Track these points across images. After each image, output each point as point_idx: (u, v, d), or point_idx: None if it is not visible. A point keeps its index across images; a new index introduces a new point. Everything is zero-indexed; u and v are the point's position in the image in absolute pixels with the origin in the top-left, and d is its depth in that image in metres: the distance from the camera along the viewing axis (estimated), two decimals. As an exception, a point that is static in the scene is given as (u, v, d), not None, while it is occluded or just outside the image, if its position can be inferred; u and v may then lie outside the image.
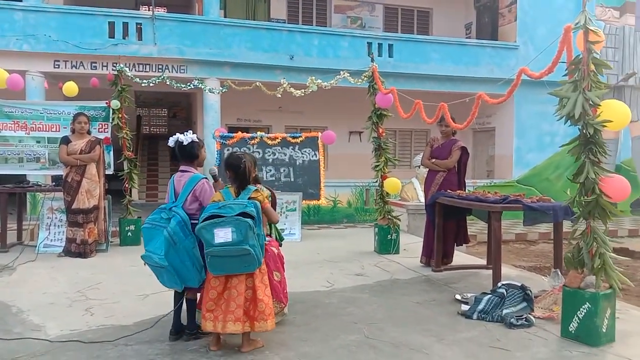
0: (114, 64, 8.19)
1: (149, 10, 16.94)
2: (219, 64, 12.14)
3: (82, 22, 11.47)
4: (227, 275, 3.57)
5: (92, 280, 5.63)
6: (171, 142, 3.97)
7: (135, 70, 11.63)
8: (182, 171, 3.96)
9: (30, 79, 11.04)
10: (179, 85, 8.11)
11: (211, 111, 12.22)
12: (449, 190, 5.98)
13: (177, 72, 11.92)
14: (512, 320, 4.15)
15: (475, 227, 10.48)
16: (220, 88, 9.20)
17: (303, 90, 7.46)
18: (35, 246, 7.10)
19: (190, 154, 3.96)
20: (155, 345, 3.77)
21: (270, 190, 4.51)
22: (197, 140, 3.98)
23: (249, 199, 3.59)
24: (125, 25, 11.72)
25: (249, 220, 3.38)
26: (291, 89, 7.53)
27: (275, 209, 4.63)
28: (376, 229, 7.25)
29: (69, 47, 11.18)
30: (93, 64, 11.55)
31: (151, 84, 7.96)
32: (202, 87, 8.37)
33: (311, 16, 15.60)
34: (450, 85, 13.61)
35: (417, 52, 13.64)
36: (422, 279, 5.77)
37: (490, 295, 4.52)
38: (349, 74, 7.29)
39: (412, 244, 7.58)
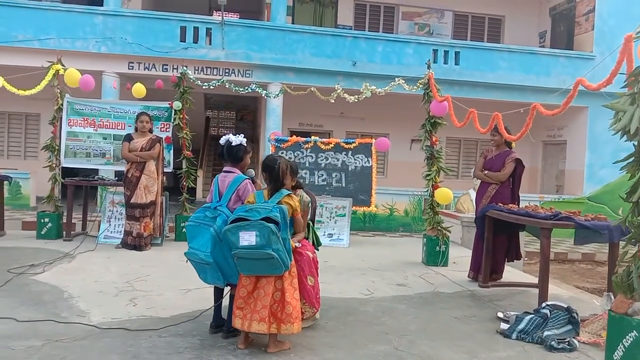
0: (184, 67, 8.58)
1: (223, 15, 17.64)
2: (282, 69, 12.37)
3: (156, 26, 12.06)
4: (257, 275, 3.62)
5: (141, 272, 5.89)
6: (222, 140, 4.10)
7: (204, 74, 12.11)
8: (227, 172, 4.07)
9: (108, 79, 11.74)
10: (237, 88, 8.34)
11: (273, 115, 12.47)
12: (500, 204, 5.75)
13: (242, 77, 12.27)
14: (552, 343, 3.93)
15: (533, 245, 10.03)
16: (276, 92, 9.36)
17: (357, 96, 7.44)
18: (97, 237, 7.52)
19: (235, 156, 4.06)
20: (187, 339, 3.88)
21: (311, 197, 4.53)
22: (245, 145, 4.08)
23: (278, 202, 3.63)
24: (196, 30, 12.21)
25: (271, 225, 3.41)
26: (345, 94, 7.53)
27: (313, 215, 4.65)
28: (425, 239, 7.09)
29: (142, 50, 11.79)
30: (164, 66, 12.10)
31: (211, 87, 8.23)
32: (259, 90, 8.55)
33: (378, 23, 15.56)
34: (519, 95, 13.10)
35: (485, 60, 13.27)
36: (467, 294, 5.58)
37: (532, 315, 4.31)
38: (404, 81, 7.20)
39: (463, 257, 7.35)
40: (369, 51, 12.90)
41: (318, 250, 4.46)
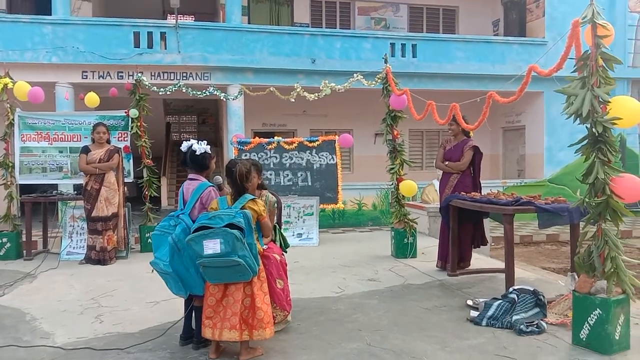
0: (139, 73, 8.37)
1: (177, 19, 17.35)
2: (241, 70, 12.23)
3: (109, 33, 11.73)
4: (225, 283, 3.56)
5: (107, 287, 5.73)
6: (184, 147, 4.00)
7: (160, 79, 11.86)
8: (191, 179, 3.99)
9: (61, 90, 11.38)
10: (195, 92, 8.20)
11: (235, 117, 12.32)
12: (462, 193, 5.82)
13: (200, 80, 12.06)
14: (521, 326, 4.00)
15: (501, 228, 10.21)
16: (235, 94, 9.25)
17: (317, 94, 7.41)
18: (59, 254, 7.29)
19: (200, 164, 3.98)
20: (156, 354, 3.79)
21: (276, 197, 4.49)
22: (210, 153, 4.00)
23: (242, 208, 3.57)
24: (150, 35, 11.94)
25: (235, 231, 3.35)
26: (305, 93, 7.50)
27: (279, 217, 4.60)
28: (392, 232, 7.13)
29: (95, 58, 11.46)
30: (119, 74, 11.79)
31: (168, 92, 8.07)
32: (217, 93, 8.42)
33: (335, 19, 15.55)
34: (477, 84, 13.28)
35: (441, 51, 13.40)
36: (436, 284, 5.64)
37: (500, 301, 4.37)
38: (362, 76, 7.21)
39: (431, 247, 7.43)
40: (327, 48, 12.88)
41: (286, 252, 4.42)
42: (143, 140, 7.73)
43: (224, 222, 3.40)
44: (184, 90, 8.17)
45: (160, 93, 8.12)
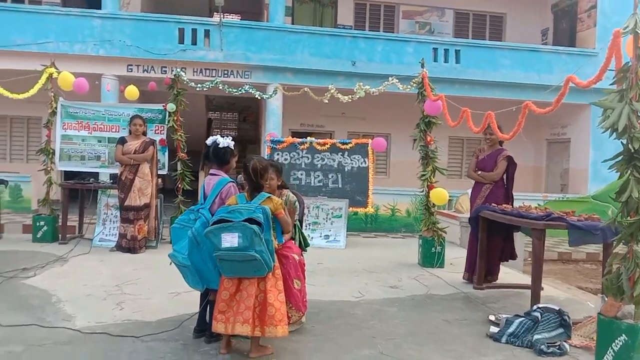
0: (181, 69, 8.54)
1: (222, 17, 17.63)
2: (281, 70, 12.31)
3: (155, 28, 12.03)
4: (239, 277, 3.57)
5: (132, 275, 5.85)
6: (209, 140, 4.05)
7: (203, 75, 12.07)
8: (212, 174, 4.03)
9: (107, 82, 11.74)
10: (231, 90, 8.28)
11: (273, 116, 12.41)
12: (493, 204, 5.66)
13: (241, 78, 12.21)
14: (542, 347, 3.84)
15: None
16: (270, 93, 9.29)
17: (351, 96, 7.36)
18: (92, 240, 7.50)
19: (222, 159, 4.02)
20: (169, 344, 3.84)
21: (297, 197, 4.48)
22: (232, 149, 4.03)
23: (260, 204, 3.57)
24: (194, 32, 12.17)
25: (254, 226, 3.36)
26: (339, 94, 7.46)
27: (301, 216, 4.58)
28: (420, 240, 7.01)
29: (140, 52, 11.77)
30: (163, 69, 12.06)
31: (205, 88, 8.19)
32: (253, 91, 8.48)
33: (378, 22, 15.45)
34: (520, 93, 12.90)
35: (486, 58, 13.13)
36: (460, 296, 5.50)
37: (523, 319, 4.22)
38: (398, 80, 7.12)
39: (460, 258, 7.21)
40: (368, 51, 12.81)
41: (306, 251, 4.41)
42: (179, 134, 7.87)
43: (243, 217, 3.41)
44: (220, 87, 8.27)
45: (197, 89, 8.24)
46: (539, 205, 6.11)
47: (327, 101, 7.85)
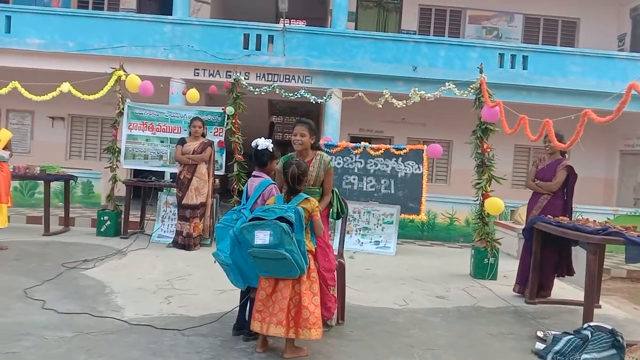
0: (246, 73, 8.82)
1: (289, 22, 17.96)
2: (342, 75, 12.37)
3: (221, 34, 12.43)
4: (276, 278, 3.62)
5: (184, 271, 6.06)
6: (253, 143, 4.15)
7: (265, 80, 12.34)
8: (255, 176, 4.12)
9: (175, 85, 12.26)
10: (287, 94, 8.41)
11: (331, 121, 12.48)
12: (548, 216, 5.41)
13: (302, 82, 12.37)
14: (590, 368, 3.63)
15: (610, 260, 9.38)
16: (324, 98, 9.32)
17: (405, 101, 7.28)
18: (151, 235, 7.83)
19: (259, 160, 4.10)
20: (208, 339, 3.93)
21: (342, 200, 4.49)
22: (271, 151, 4.11)
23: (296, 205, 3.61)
24: (259, 37, 12.47)
25: (284, 224, 3.40)
26: (393, 99, 7.39)
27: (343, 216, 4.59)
28: (473, 251, 6.80)
29: (207, 57, 12.19)
30: (228, 73, 12.38)
31: (263, 92, 8.36)
32: (308, 96, 8.57)
33: (443, 27, 15.21)
34: (593, 102, 12.24)
35: (556, 65, 12.59)
36: (510, 310, 5.28)
37: (572, 336, 4.00)
38: (454, 85, 6.97)
39: (515, 271, 6.95)
40: (431, 56, 12.62)
41: (343, 215, 4.40)
42: (236, 136, 8.08)
43: (276, 215, 3.47)
44: (277, 92, 8.42)
45: (255, 93, 8.43)
46: (608, 219, 5.78)
47: (380, 106, 7.83)
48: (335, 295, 4.23)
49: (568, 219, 5.37)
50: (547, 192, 5.80)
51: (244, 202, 4.07)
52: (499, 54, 12.61)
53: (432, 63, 12.58)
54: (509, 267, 7.06)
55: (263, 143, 4.07)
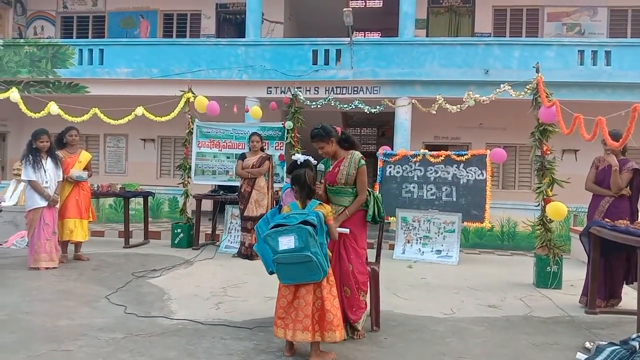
0: (316, 88, 9.06)
1: (364, 35, 18.15)
2: (410, 83, 12.29)
3: (291, 52, 12.86)
4: (296, 285, 3.74)
5: (240, 279, 6.35)
6: (293, 157, 4.35)
7: (334, 93, 12.54)
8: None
9: (250, 103, 12.82)
10: (342, 105, 8.55)
11: (401, 129, 12.41)
12: (606, 220, 5.06)
13: (370, 93, 12.47)
14: (632, 381, 3.37)
15: None
16: (378, 107, 9.28)
17: (459, 106, 7.13)
18: (218, 246, 8.27)
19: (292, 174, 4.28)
20: (243, 343, 4.12)
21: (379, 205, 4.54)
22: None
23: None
24: (327, 52, 12.75)
25: (309, 227, 3.53)
26: (447, 104, 7.27)
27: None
28: (535, 258, 6.48)
29: (278, 75, 12.66)
30: (298, 89, 12.81)
31: (318, 106, 8.55)
32: (362, 106, 8.63)
33: (520, 27, 14.62)
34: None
35: (644, 59, 11.65)
36: (564, 320, 4.99)
37: (617, 347, 3.72)
38: (510, 87, 6.74)
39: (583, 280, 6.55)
40: (503, 58, 12.18)
41: (381, 218, 4.40)
42: (296, 149, 8.34)
43: (298, 220, 3.60)
44: (332, 104, 8.58)
45: (312, 107, 8.65)
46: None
47: (434, 112, 7.70)
48: (367, 301, 4.27)
49: (627, 222, 4.99)
50: (609, 194, 5.43)
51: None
52: (579, 50, 11.90)
53: (506, 65, 12.13)
54: (577, 276, 6.63)
55: (299, 157, 4.20)
